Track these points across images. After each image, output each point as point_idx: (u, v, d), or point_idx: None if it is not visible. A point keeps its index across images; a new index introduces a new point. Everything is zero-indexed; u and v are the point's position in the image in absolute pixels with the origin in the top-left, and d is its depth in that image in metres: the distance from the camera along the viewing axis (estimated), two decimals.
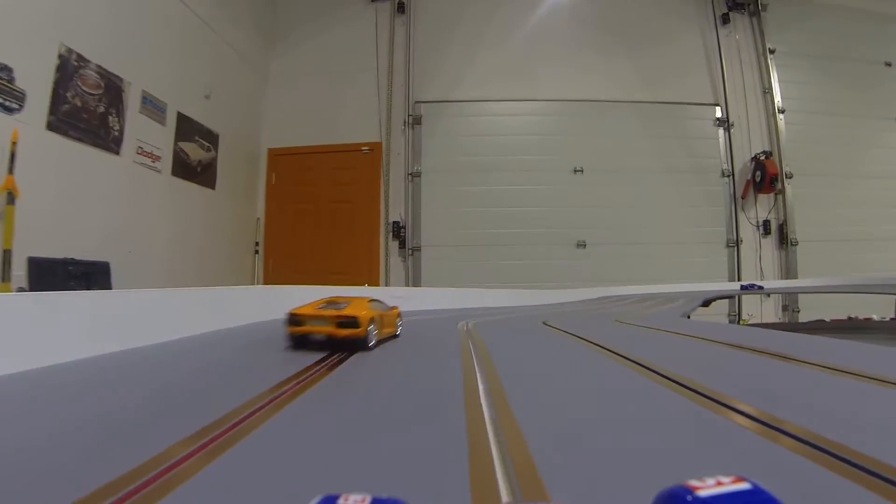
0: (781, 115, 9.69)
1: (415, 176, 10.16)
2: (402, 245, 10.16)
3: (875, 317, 9.20)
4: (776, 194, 9.47)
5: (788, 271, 9.40)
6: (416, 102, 10.26)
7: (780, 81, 9.82)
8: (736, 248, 9.22)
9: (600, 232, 8.95)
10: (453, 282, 9.62)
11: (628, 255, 8.91)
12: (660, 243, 9.03)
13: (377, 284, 10.37)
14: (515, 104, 9.82)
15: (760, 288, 8.52)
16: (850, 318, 9.03)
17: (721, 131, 9.48)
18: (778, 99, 9.76)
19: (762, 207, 9.45)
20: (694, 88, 9.58)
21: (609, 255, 8.90)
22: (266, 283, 10.57)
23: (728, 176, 9.37)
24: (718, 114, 9.51)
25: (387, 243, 10.40)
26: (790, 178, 9.40)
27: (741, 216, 9.28)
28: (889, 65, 10.80)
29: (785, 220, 9.46)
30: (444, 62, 9.87)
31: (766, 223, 9.43)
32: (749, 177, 9.33)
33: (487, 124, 9.91)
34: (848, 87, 10.36)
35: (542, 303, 6.32)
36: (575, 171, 9.08)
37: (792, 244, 9.41)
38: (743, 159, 9.46)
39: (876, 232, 9.99)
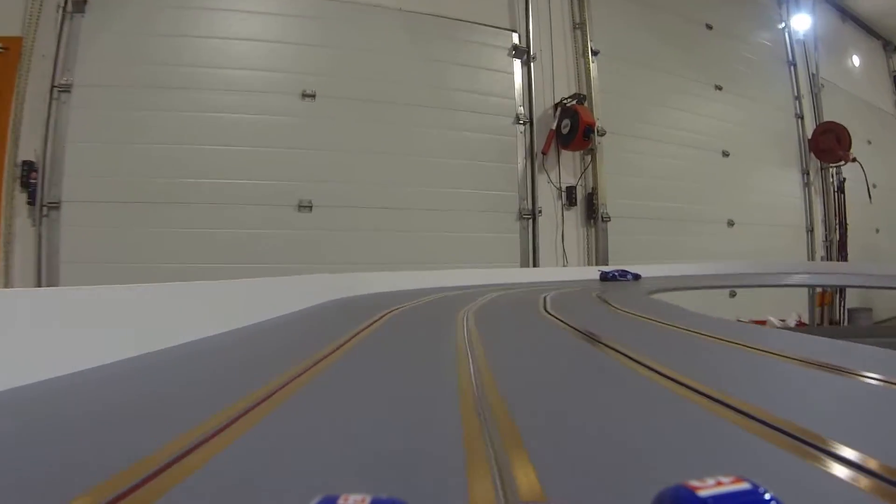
0: (594, 58, 7.62)
1: (63, 90, 6.31)
2: (33, 199, 6.23)
3: (774, 319, 7.46)
4: (586, 154, 7.32)
5: (598, 256, 7.26)
6: None
7: (593, 18, 7.79)
8: (532, 220, 6.81)
9: (335, 189, 5.88)
10: (113, 260, 5.90)
11: (378, 225, 5.96)
12: (429, 210, 6.26)
13: None
14: None
15: (636, 276, 5.85)
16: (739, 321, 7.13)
17: (518, 64, 7.07)
18: (590, 39, 7.69)
19: (567, 170, 7.23)
20: (487, 7, 7.08)
21: (347, 225, 5.86)
22: None
23: (525, 122, 6.98)
24: (516, 40, 7.12)
25: (11, 196, 6.34)
26: (602, 135, 7.31)
27: (540, 179, 6.93)
28: (710, 28, 9.54)
29: (595, 189, 7.30)
30: None
31: (572, 191, 7.18)
32: (553, 126, 7.05)
33: (191, 21, 6.40)
34: (667, 42, 8.74)
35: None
36: (304, 95, 5.94)
37: (603, 220, 7.28)
38: (545, 105, 7.17)
39: (693, 211, 8.42)
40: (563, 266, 6.72)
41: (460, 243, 6.50)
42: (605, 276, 5.95)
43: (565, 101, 7.10)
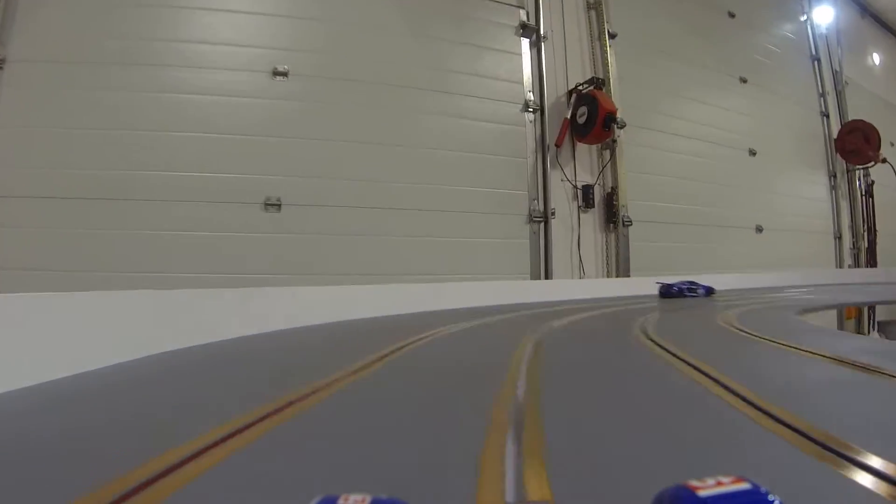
0: (611, 42, 6.76)
1: None
2: None
3: None
4: (604, 149, 6.43)
5: (619, 265, 6.35)
6: None
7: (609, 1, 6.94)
8: (544, 223, 5.90)
9: (309, 184, 4.93)
10: (50, 267, 4.93)
11: (358, 228, 5.01)
12: (420, 210, 5.33)
13: None
14: None
15: (709, 291, 4.77)
16: None
17: (527, 44, 6.21)
18: (607, 21, 6.83)
19: (583, 166, 6.34)
20: None
21: (321, 228, 4.90)
22: None
23: (535, 110, 6.10)
24: (523, 17, 6.26)
25: None
26: (622, 127, 6.42)
27: (553, 176, 6.03)
28: (733, 16, 8.72)
29: (616, 188, 6.40)
30: None
31: (588, 190, 6.28)
32: (568, 115, 6.17)
33: None
34: (689, 28, 7.91)
35: None
36: (275, 73, 5.03)
37: (624, 224, 6.37)
38: (557, 92, 6.30)
39: (720, 215, 7.54)
40: (580, 277, 5.80)
41: (459, 250, 5.55)
42: (667, 291, 4.76)
43: (581, 87, 6.21)
